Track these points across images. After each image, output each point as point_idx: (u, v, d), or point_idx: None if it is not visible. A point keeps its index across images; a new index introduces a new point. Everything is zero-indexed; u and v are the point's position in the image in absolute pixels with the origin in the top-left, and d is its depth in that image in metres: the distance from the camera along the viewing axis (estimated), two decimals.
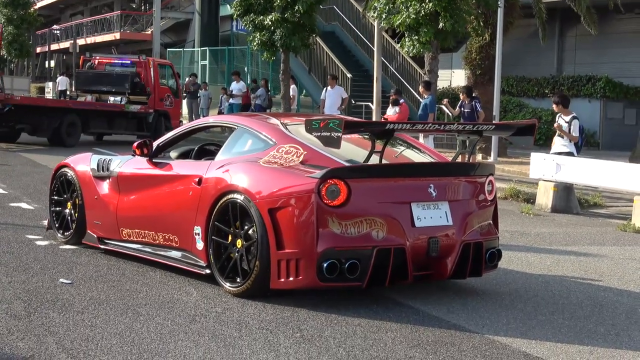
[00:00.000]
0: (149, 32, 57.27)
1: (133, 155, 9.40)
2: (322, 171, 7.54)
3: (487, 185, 8.55)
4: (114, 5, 68.09)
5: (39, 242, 10.03)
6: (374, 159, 8.01)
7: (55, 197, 10.29)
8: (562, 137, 16.10)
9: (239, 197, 7.87)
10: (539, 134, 28.99)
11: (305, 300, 7.74)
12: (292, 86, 29.63)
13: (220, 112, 31.88)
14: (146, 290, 7.90)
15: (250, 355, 6.14)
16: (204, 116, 33.22)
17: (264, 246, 7.60)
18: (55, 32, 67.01)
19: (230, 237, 8.00)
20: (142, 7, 72.78)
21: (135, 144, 9.27)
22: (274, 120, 8.77)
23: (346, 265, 7.44)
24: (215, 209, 8.09)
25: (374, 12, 22.93)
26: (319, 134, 7.67)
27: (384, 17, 22.07)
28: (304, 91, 35.71)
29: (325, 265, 7.41)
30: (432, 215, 7.95)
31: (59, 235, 10.14)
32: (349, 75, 30.96)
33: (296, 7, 26.06)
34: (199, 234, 8.27)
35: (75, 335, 6.38)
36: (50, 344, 6.16)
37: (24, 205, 12.86)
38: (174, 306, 7.38)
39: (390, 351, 6.41)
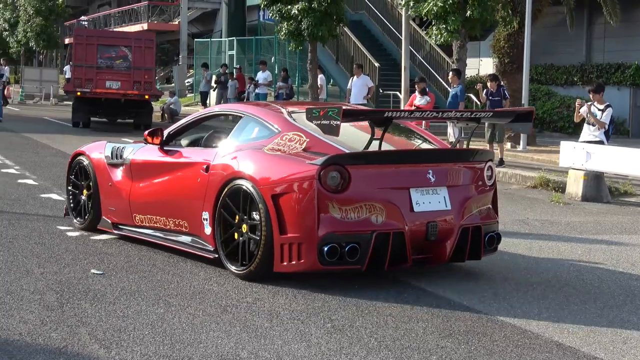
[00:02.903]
0: (177, 23, 57.31)
1: (145, 143, 9.66)
2: (323, 158, 7.77)
3: (487, 170, 8.74)
4: None
5: (70, 233, 10.08)
6: (375, 146, 8.17)
7: (72, 184, 10.60)
8: (592, 125, 15.99)
9: (244, 184, 8.11)
10: (567, 123, 28.82)
11: (335, 290, 7.74)
12: (320, 76, 29.58)
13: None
14: (177, 281, 7.93)
15: (281, 345, 6.14)
16: None
17: (268, 231, 7.84)
18: (83, 23, 67.31)
19: (236, 222, 8.23)
20: None
21: (147, 132, 9.59)
22: (279, 109, 9.03)
23: (346, 249, 7.66)
24: (222, 195, 8.34)
25: (402, 1, 22.85)
26: (319, 122, 7.89)
27: (411, 5, 22.05)
28: (331, 80, 35.61)
29: (326, 249, 7.64)
30: (431, 201, 8.15)
31: (76, 220, 10.44)
32: (376, 65, 30.83)
33: None
34: (206, 219, 8.53)
35: (107, 326, 6.41)
36: (82, 335, 6.19)
37: (54, 196, 12.91)
38: (205, 297, 7.40)
39: (421, 341, 6.39)
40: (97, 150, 10.33)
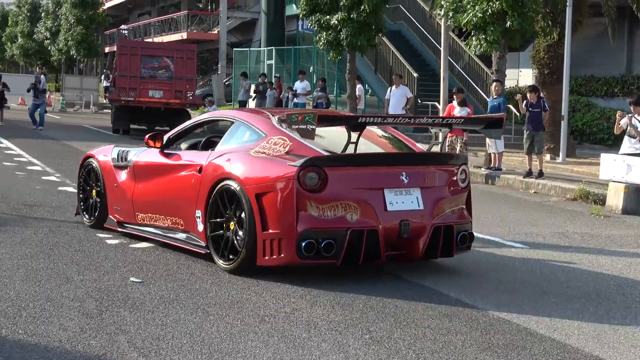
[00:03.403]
0: (216, 32, 57.58)
1: (147, 147, 10.29)
2: (301, 160, 8.35)
3: (460, 174, 9.28)
4: (180, 5, 68.62)
5: (109, 241, 10.14)
6: (356, 150, 8.86)
7: (82, 185, 11.36)
8: (633, 138, 15.85)
9: (232, 184, 8.74)
10: (607, 134, 28.60)
11: (373, 301, 7.72)
12: (359, 86, 29.57)
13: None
14: (215, 290, 7.94)
15: (319, 356, 6.13)
16: None
17: (251, 227, 8.45)
18: (123, 32, 67.76)
19: (224, 220, 8.84)
20: (209, 7, 73.24)
21: (148, 136, 10.24)
22: (267, 115, 9.59)
23: (322, 245, 8.23)
24: (212, 194, 8.97)
25: (441, 11, 22.80)
26: (297, 126, 8.54)
27: (450, 15, 21.95)
28: (369, 90, 35.59)
29: (303, 244, 8.21)
30: (404, 201, 8.72)
31: (85, 219, 11.17)
32: (415, 75, 30.79)
33: (362, 7, 26.04)
34: (199, 217, 9.16)
35: (146, 334, 6.43)
36: (121, 343, 6.21)
37: None
38: (243, 306, 7.41)
39: (460, 354, 6.35)
40: (105, 153, 11.07)
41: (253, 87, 36.26)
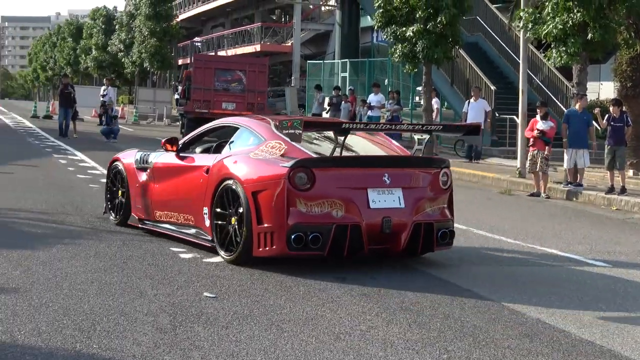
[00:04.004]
0: (289, 44, 57.94)
1: (165, 150, 11.49)
2: (292, 161, 9.39)
3: (442, 176, 10.22)
4: (254, 17, 69.11)
5: (183, 255, 10.21)
6: (342, 152, 9.81)
7: (110, 186, 12.64)
8: None
9: (233, 183, 9.84)
10: None
11: (450, 320, 7.65)
12: (435, 99, 29.46)
13: None
14: (290, 306, 7.93)
15: None
16: None
17: (248, 222, 9.52)
18: (196, 44, 68.42)
19: (226, 215, 9.91)
20: (283, 19, 73.77)
21: (164, 141, 11.51)
22: (268, 121, 10.55)
23: (310, 238, 9.24)
24: (217, 193, 10.06)
25: (520, 22, 22.59)
26: (287, 131, 9.65)
27: (530, 27, 21.75)
28: (445, 104, 35.45)
29: (293, 237, 9.23)
30: (386, 199, 9.67)
31: (112, 217, 12.45)
32: (492, 88, 30.58)
33: (439, 18, 25.92)
34: (206, 214, 10.28)
35: (220, 350, 6.44)
36: (195, 359, 6.23)
37: None
38: (318, 323, 7.38)
39: None
40: (129, 156, 12.39)
41: (327, 100, 36.34)
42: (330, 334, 7.05)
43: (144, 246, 10.65)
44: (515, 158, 24.67)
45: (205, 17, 77.72)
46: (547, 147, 19.52)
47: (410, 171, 10.09)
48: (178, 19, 68.75)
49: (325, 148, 10.17)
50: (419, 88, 36.67)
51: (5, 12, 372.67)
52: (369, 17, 44.33)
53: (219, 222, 10.02)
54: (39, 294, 7.92)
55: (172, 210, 11.09)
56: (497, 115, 29.91)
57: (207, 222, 10.24)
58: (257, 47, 59.30)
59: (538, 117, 20.05)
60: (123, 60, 71.42)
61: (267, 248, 9.45)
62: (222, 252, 9.94)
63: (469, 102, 27.24)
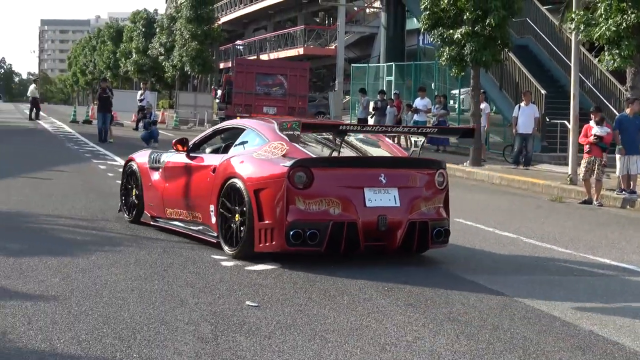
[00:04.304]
0: (333, 47, 57.94)
1: (176, 151, 12.30)
2: (292, 161, 10.10)
3: (438, 176, 10.88)
4: (297, 20, 69.27)
5: (224, 263, 10.24)
6: (340, 153, 10.63)
7: (124, 185, 13.50)
8: None
9: (237, 181, 10.55)
10: None
11: (500, 332, 7.60)
12: (484, 104, 29.33)
13: None
14: (334, 316, 7.93)
15: None
16: None
17: (250, 218, 10.23)
18: (238, 47, 68.75)
19: (231, 212, 10.65)
20: (326, 22, 73.83)
21: (175, 141, 12.36)
22: (272, 123, 11.29)
23: (308, 234, 9.93)
24: (222, 191, 10.79)
25: (571, 24, 22.44)
26: (287, 132, 10.56)
27: (582, 29, 21.58)
28: (493, 108, 35.29)
29: (291, 233, 9.92)
30: (382, 198, 10.32)
31: (126, 215, 13.26)
32: (543, 92, 30.41)
33: (487, 20, 25.82)
34: (212, 211, 11.01)
35: None
36: None
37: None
38: (362, 333, 7.37)
39: None
40: (142, 157, 13.27)
41: (372, 104, 36.34)
42: (375, 345, 7.03)
43: (184, 253, 10.70)
44: (566, 164, 24.51)
45: (248, 20, 78.03)
46: (603, 154, 19.37)
47: (406, 172, 10.78)
48: (220, 22, 68.98)
49: (322, 148, 11.07)
50: (454, 91, 36.64)
51: (44, 16, 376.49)
52: (415, 19, 44.31)
53: (224, 219, 10.75)
54: (78, 301, 7.99)
55: (181, 208, 11.88)
56: (547, 120, 29.72)
57: (213, 219, 10.98)
58: (300, 50, 59.42)
59: (592, 122, 19.89)
60: (163, 63, 71.80)
61: (267, 244, 10.14)
62: (226, 247, 10.65)
63: (519, 106, 27.12)
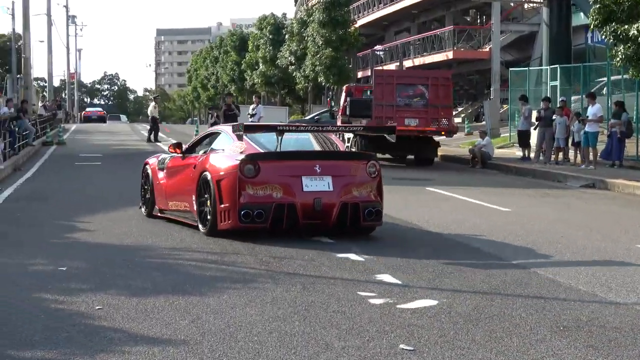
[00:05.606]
0: (487, 50, 57.54)
1: (175, 153, 16.83)
2: (242, 156, 14.42)
3: (369, 167, 14.97)
4: (445, 20, 68.93)
5: (372, 300, 10.21)
6: (281, 148, 14.86)
7: (143, 185, 18.06)
8: None
9: (207, 174, 14.98)
10: None
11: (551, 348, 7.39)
12: None
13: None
14: None
15: None
16: (558, 147, 33.36)
17: (214, 203, 14.65)
18: (378, 53, 68.84)
19: (204, 199, 15.05)
20: (478, 21, 73.30)
21: (170, 145, 16.97)
22: (239, 128, 15.04)
23: (255, 214, 14.26)
24: (199, 182, 15.20)
25: None
26: (237, 133, 14.95)
27: None
28: None
29: (242, 212, 14.26)
30: (317, 184, 14.48)
31: (143, 210, 17.88)
32: None
33: None
34: (194, 200, 15.41)
35: None
36: None
37: (352, 256, 13.12)
38: None
39: None
40: (154, 159, 17.92)
41: (535, 113, 35.87)
42: None
43: (327, 290, 10.72)
44: None
45: (388, 22, 78.10)
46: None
47: (338, 162, 15.13)
48: (356, 25, 69.33)
49: (272, 145, 15.00)
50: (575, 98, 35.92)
51: (160, 25, 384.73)
52: (582, 14, 43.68)
53: (199, 205, 15.14)
54: (210, 346, 8.10)
55: (177, 200, 16.34)
56: None
57: (195, 206, 15.35)
58: (449, 54, 59.24)
59: None
60: (294, 74, 72.39)
61: (226, 222, 14.47)
62: (200, 226, 15.16)
63: None
